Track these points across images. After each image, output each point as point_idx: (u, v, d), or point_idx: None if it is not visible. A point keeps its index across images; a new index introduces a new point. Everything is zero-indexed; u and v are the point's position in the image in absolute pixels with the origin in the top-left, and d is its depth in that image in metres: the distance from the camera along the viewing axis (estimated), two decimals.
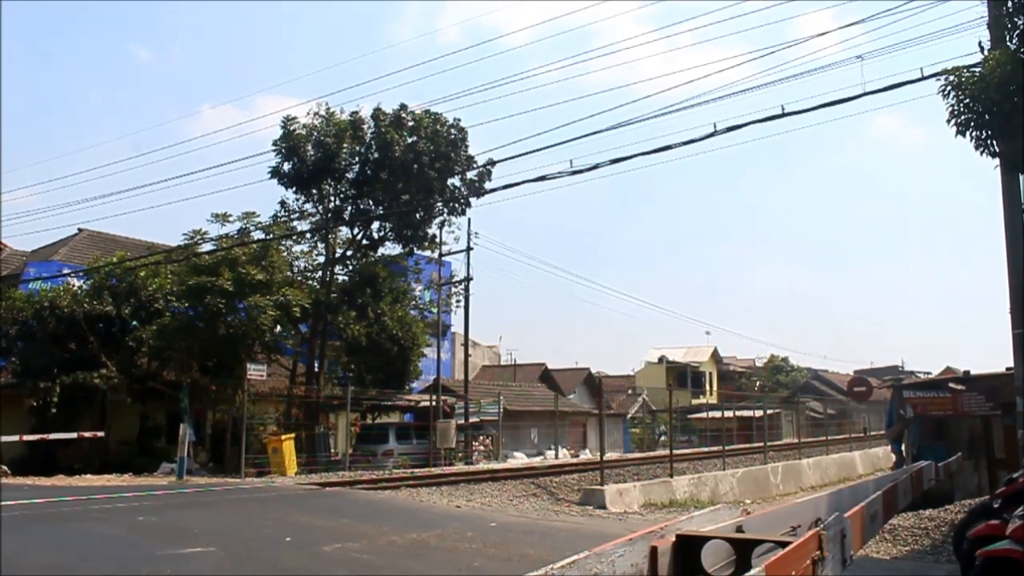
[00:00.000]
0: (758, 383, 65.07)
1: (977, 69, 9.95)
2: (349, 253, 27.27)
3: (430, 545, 9.61)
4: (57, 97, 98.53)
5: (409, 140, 25.12)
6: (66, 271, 25.68)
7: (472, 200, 26.31)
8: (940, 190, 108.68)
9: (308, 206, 26.63)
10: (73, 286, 24.17)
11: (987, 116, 9.75)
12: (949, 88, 9.96)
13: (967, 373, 17.18)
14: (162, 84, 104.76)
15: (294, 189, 25.79)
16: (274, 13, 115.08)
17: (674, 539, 2.72)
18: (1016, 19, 10.22)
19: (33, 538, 9.56)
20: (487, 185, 25.43)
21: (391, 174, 25.08)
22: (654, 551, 2.58)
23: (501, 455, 29.83)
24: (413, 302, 29.31)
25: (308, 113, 25.89)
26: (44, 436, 20.48)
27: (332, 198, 26.51)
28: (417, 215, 25.94)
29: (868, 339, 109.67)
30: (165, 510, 12.72)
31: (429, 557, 8.95)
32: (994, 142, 10.01)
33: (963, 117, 9.90)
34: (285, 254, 25.49)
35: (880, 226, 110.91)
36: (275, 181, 25.27)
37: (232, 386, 22.61)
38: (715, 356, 63.19)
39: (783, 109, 13.32)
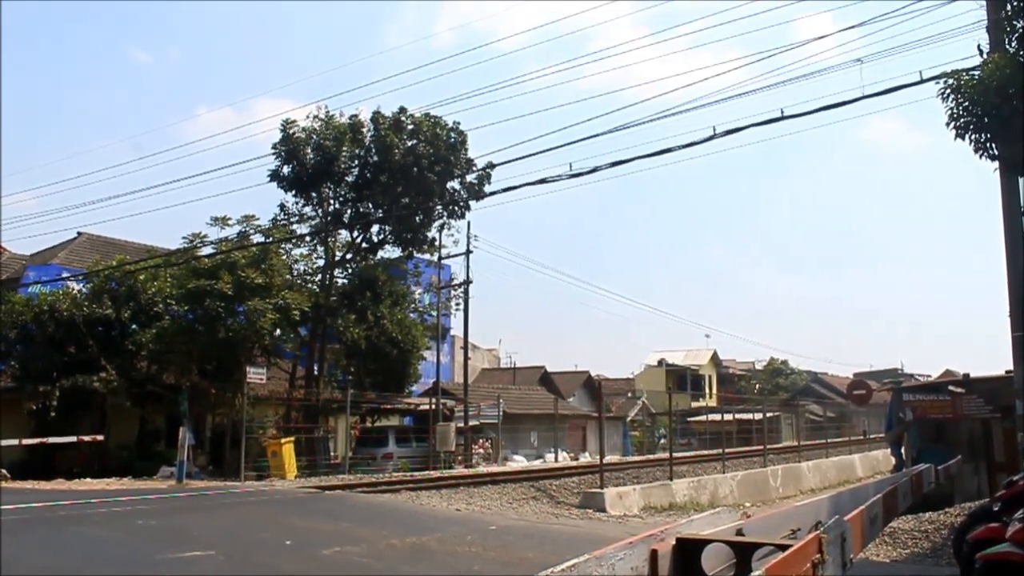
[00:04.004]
0: (758, 386, 64.94)
1: (976, 72, 9.97)
2: (348, 256, 27.27)
3: (430, 548, 9.61)
4: (56, 100, 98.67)
5: (409, 143, 25.13)
6: (65, 275, 25.65)
7: (472, 203, 26.32)
8: (939, 193, 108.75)
9: (307, 209, 26.66)
10: (72, 290, 24.17)
11: (986, 119, 9.76)
12: (948, 91, 9.98)
13: (967, 376, 17.14)
14: (160, 87, 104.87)
15: (293, 192, 25.82)
16: (271, 15, 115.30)
17: (674, 542, 2.73)
18: (1015, 22, 10.23)
19: (33, 541, 9.55)
20: (487, 188, 25.42)
21: (391, 177, 25.09)
22: (654, 554, 2.59)
23: (501, 458, 29.80)
24: (413, 305, 29.27)
25: (307, 116, 25.92)
26: (43, 440, 20.44)
27: (331, 201, 26.52)
28: (417, 218, 25.94)
29: (868, 342, 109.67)
30: (164, 514, 12.70)
31: (429, 560, 8.96)
32: (993, 145, 10.02)
33: (962, 120, 9.92)
34: (284, 257, 25.48)
35: (879, 229, 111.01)
36: (274, 184, 25.35)
37: (232, 389, 22.60)
38: (715, 359, 63.17)
39: (782, 112, 13.32)
